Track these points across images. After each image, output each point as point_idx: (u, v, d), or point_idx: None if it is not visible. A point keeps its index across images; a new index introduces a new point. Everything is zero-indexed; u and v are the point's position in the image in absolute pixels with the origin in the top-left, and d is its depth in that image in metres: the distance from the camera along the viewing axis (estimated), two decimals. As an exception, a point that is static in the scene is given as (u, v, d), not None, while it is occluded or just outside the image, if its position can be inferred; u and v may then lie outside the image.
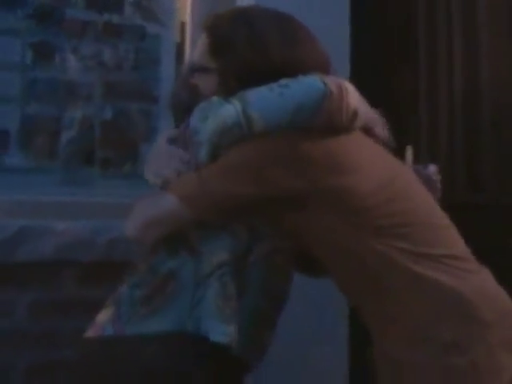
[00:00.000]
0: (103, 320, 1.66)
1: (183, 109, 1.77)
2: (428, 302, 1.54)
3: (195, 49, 1.79)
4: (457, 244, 1.63)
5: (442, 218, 1.67)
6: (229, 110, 1.58)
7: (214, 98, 1.66)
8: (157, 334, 1.60)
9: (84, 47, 2.74)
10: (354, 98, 1.59)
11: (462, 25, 2.53)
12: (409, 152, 1.87)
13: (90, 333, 1.67)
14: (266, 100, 1.57)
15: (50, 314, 2.46)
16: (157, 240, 1.67)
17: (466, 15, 2.52)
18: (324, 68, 1.69)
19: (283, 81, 1.59)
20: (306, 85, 1.57)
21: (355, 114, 1.59)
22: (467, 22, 2.52)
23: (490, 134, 2.42)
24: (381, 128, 1.75)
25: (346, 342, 2.63)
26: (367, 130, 1.70)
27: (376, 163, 1.63)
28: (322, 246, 1.65)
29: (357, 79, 2.51)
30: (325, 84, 1.55)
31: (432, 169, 1.95)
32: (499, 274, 1.63)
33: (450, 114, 2.56)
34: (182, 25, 2.95)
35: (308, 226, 1.61)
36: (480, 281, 1.59)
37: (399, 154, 1.79)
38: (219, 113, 1.59)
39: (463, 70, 2.53)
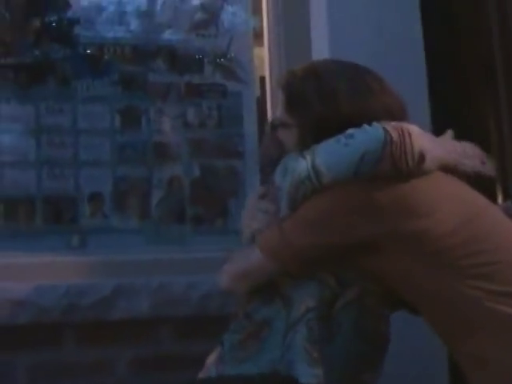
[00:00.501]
0: (210, 362, 1.79)
1: (273, 165, 1.83)
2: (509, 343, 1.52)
3: (277, 105, 1.86)
4: None
5: None
6: (301, 164, 1.65)
7: (292, 153, 1.72)
8: (253, 375, 1.68)
9: (168, 108, 2.83)
10: (420, 140, 1.61)
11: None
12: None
13: (201, 374, 1.79)
14: (333, 151, 1.63)
15: (149, 370, 2.50)
16: (250, 289, 1.77)
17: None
18: (399, 115, 1.73)
19: (350, 131, 1.63)
20: (368, 133, 1.62)
21: (422, 156, 1.60)
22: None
23: None
24: (470, 162, 1.76)
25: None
26: (451, 169, 1.71)
27: (455, 202, 1.64)
28: (403, 289, 1.67)
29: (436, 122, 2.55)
30: (385, 130, 1.59)
31: None
32: None
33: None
34: (262, 80, 3.02)
35: (384, 271, 1.63)
36: None
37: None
38: (294, 167, 1.66)
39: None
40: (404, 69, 2.59)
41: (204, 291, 2.51)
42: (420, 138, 1.62)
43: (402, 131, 1.60)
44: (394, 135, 1.59)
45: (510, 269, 1.58)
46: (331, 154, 1.64)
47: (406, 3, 2.74)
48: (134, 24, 2.90)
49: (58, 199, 2.68)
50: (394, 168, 1.59)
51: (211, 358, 1.80)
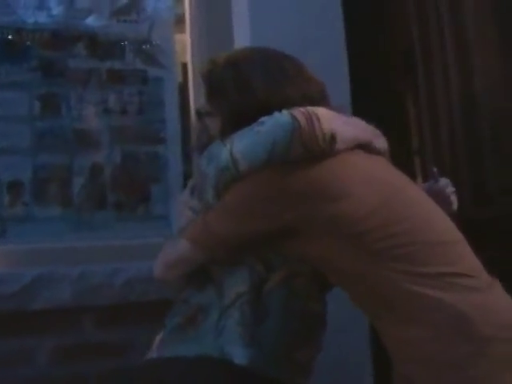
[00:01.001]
0: (154, 345, 1.84)
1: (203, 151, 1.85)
2: (429, 321, 1.55)
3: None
4: (462, 260, 1.64)
5: (448, 234, 1.69)
6: (222, 153, 1.68)
7: (216, 141, 1.75)
8: (188, 357, 1.72)
9: (89, 95, 2.80)
10: (329, 122, 1.64)
11: (454, 41, 2.58)
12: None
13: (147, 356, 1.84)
14: (247, 139, 1.66)
15: (71, 360, 2.48)
16: (182, 277, 1.86)
17: (457, 33, 2.57)
18: (317, 100, 1.75)
19: (262, 118, 1.67)
20: (277, 120, 1.64)
21: (333, 137, 1.63)
22: (459, 38, 2.57)
23: (490, 145, 2.45)
24: (379, 141, 1.80)
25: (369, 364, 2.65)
26: (365, 147, 1.75)
27: (371, 184, 1.67)
28: (326, 272, 1.71)
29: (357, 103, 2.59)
30: (293, 116, 1.62)
31: (443, 182, 1.98)
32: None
33: (450, 130, 2.60)
34: (184, 66, 3.01)
35: (306, 254, 1.67)
36: (482, 296, 1.59)
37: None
38: (217, 155, 1.70)
39: (458, 84, 2.57)
40: (326, 55, 2.62)
41: (126, 278, 2.50)
42: (329, 119, 1.65)
43: (310, 115, 1.62)
44: (302, 120, 1.61)
45: (426, 249, 1.61)
46: (245, 142, 1.66)
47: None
48: (55, 9, 2.85)
49: (-24, 188, 2.64)
50: (306, 151, 1.62)
51: (155, 341, 1.85)
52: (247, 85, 1.77)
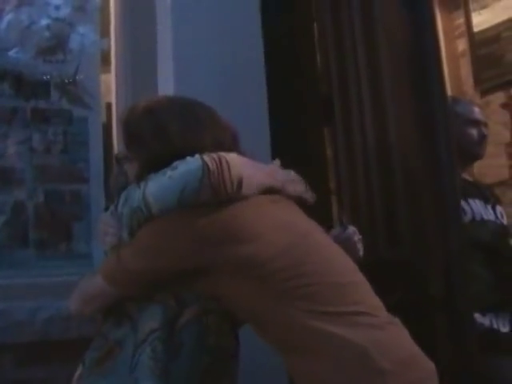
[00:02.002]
0: (74, 378, 1.88)
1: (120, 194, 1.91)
2: (333, 355, 1.64)
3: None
4: (364, 300, 1.75)
5: (351, 276, 1.79)
6: (136, 194, 1.77)
7: (132, 184, 1.82)
8: None
9: (13, 133, 2.82)
10: (238, 167, 1.73)
11: (370, 91, 2.69)
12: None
13: None
14: (159, 183, 1.75)
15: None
16: (99, 312, 1.91)
17: (373, 83, 2.68)
18: (229, 146, 1.84)
19: (175, 163, 1.75)
20: (189, 165, 1.73)
21: (240, 183, 1.72)
22: (375, 87, 2.67)
23: (403, 189, 2.55)
24: (293, 186, 1.89)
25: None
26: (276, 191, 1.83)
27: (279, 227, 1.75)
28: (236, 311, 1.79)
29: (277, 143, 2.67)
30: (203, 161, 1.70)
31: (351, 230, 2.07)
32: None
33: (366, 171, 2.69)
34: (108, 106, 3.06)
35: (216, 293, 1.74)
36: (382, 333, 1.70)
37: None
38: (132, 197, 1.78)
39: (374, 128, 2.67)
40: (247, 105, 2.68)
41: (48, 316, 2.51)
42: (239, 165, 1.74)
43: (220, 160, 1.70)
44: (212, 165, 1.69)
45: (329, 290, 1.71)
46: (158, 186, 1.75)
47: (251, 41, 2.83)
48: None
49: None
50: (214, 196, 1.70)
51: (75, 377, 1.88)
52: (164, 132, 1.85)
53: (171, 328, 1.82)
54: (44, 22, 2.99)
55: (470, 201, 2.77)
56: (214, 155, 1.72)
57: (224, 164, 1.70)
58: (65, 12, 3.03)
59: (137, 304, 1.85)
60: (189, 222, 1.71)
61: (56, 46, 2.99)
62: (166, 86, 2.78)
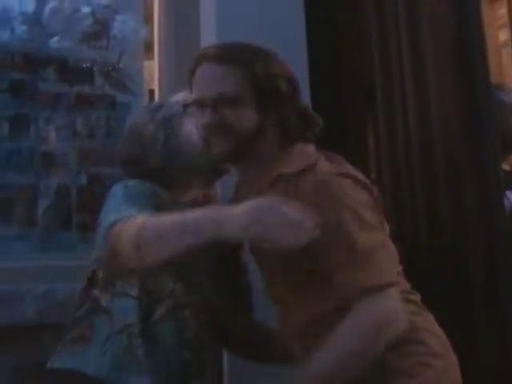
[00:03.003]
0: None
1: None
2: None
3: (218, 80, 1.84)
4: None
5: None
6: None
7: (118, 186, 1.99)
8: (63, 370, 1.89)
9: (57, 118, 2.85)
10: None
11: (413, 76, 2.67)
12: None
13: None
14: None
15: (33, 378, 2.50)
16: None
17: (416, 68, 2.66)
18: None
19: None
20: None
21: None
22: (417, 73, 2.66)
23: (446, 178, 2.53)
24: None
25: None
26: None
27: None
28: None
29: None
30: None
31: None
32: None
33: (408, 163, 2.68)
34: (151, 92, 3.08)
35: None
36: (425, 313, 1.77)
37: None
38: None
39: (417, 118, 2.65)
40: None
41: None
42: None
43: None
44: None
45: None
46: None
47: (294, 29, 2.83)
48: (21, 30, 2.90)
49: None
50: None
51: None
52: None
53: (146, 324, 1.85)
54: (87, 8, 3.02)
55: (508, 192, 2.74)
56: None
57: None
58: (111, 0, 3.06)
59: (111, 297, 1.89)
60: None
61: (100, 32, 3.02)
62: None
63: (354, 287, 1.61)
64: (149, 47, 3.12)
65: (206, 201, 2.08)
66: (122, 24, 3.07)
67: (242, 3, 2.80)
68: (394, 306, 1.61)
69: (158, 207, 1.85)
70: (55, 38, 2.95)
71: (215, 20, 2.81)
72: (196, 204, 1.97)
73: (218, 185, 2.28)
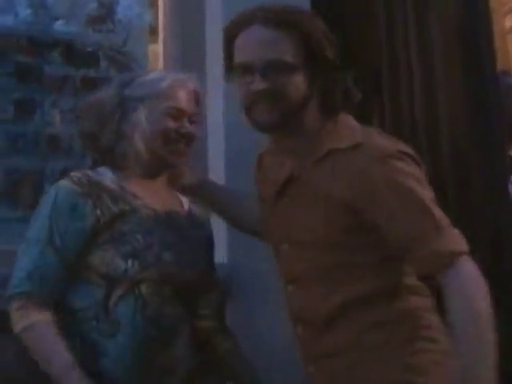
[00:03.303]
0: None
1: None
2: None
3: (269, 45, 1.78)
4: None
5: None
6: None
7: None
8: None
9: (63, 101, 2.85)
10: None
11: (420, 66, 2.66)
12: None
13: None
14: None
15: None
16: None
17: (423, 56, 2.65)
18: None
19: None
20: None
21: None
22: (424, 63, 2.65)
23: (452, 165, 2.53)
24: None
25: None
26: None
27: None
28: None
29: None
30: None
31: None
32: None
33: (414, 149, 2.67)
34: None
35: None
36: None
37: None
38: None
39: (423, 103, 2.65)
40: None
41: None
42: None
43: None
44: None
45: None
46: None
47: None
48: (26, 14, 2.90)
49: None
50: None
51: None
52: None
53: (105, 308, 1.84)
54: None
55: None
56: None
57: None
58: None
59: (71, 285, 1.88)
60: None
61: (104, 16, 3.02)
62: (214, 57, 2.79)
63: (437, 253, 1.60)
64: (154, 31, 3.11)
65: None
66: (127, 8, 3.06)
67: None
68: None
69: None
70: (60, 22, 2.94)
71: (221, 3, 2.81)
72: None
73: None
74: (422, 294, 1.74)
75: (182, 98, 1.98)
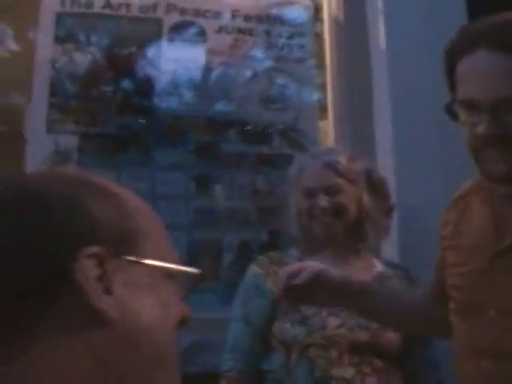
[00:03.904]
0: None
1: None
2: None
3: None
4: None
5: None
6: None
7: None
8: None
9: (239, 177, 3.01)
10: None
11: None
12: None
13: None
14: None
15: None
16: None
17: None
18: None
19: None
20: None
21: None
22: None
23: None
24: None
25: None
26: None
27: None
28: None
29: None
30: None
31: None
32: None
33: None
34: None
35: None
36: None
37: None
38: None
39: None
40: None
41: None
42: None
43: None
44: None
45: None
46: None
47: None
48: (186, 95, 3.08)
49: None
50: None
51: None
52: None
53: (287, 370, 2.15)
54: (265, 73, 3.17)
55: None
56: None
57: None
58: (285, 64, 3.20)
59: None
60: None
61: (276, 95, 3.16)
62: (381, 133, 2.87)
63: None
64: (323, 108, 3.23)
65: None
66: (297, 91, 3.20)
67: (414, 60, 2.85)
68: None
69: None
70: (220, 102, 3.10)
71: (388, 83, 2.89)
72: None
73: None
74: None
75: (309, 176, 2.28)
